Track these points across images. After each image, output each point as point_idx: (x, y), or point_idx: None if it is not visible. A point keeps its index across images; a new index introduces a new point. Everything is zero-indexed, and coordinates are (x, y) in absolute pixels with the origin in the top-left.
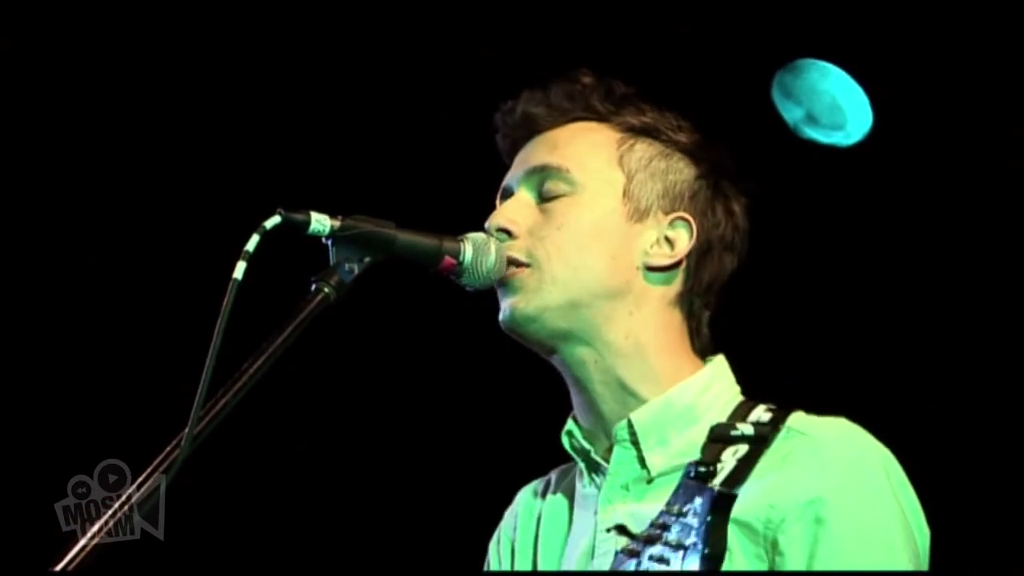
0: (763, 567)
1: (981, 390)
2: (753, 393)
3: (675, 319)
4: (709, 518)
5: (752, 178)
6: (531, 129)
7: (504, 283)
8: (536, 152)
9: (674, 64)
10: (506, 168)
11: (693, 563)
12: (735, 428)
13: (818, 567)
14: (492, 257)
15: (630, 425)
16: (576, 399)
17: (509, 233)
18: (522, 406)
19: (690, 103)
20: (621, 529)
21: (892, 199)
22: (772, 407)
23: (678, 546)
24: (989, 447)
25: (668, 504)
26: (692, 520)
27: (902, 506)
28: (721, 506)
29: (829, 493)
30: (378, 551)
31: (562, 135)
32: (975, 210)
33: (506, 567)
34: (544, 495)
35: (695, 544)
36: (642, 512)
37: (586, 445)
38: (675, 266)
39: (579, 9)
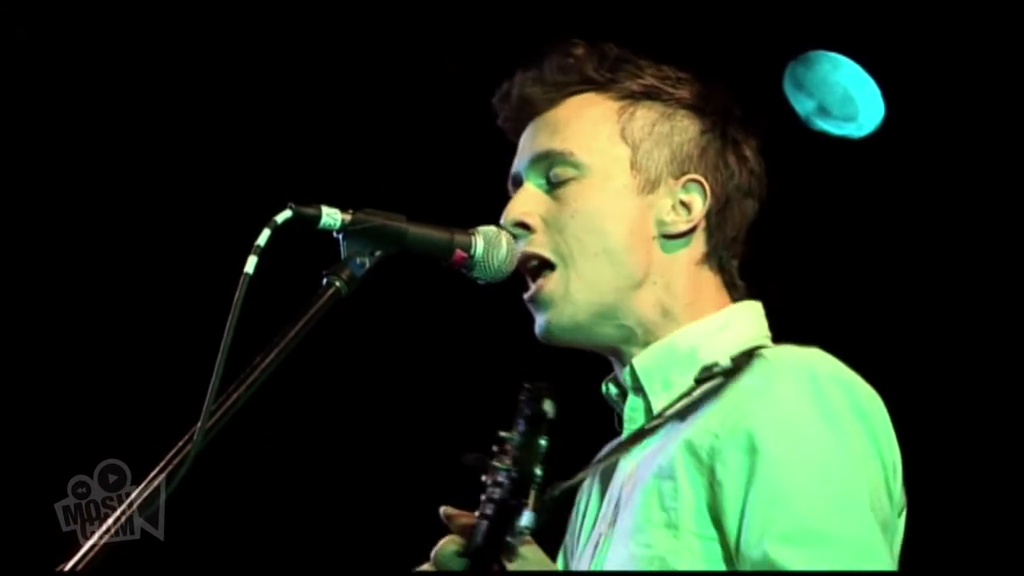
0: (704, 493)
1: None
2: (785, 340)
3: (704, 277)
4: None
5: (757, 116)
6: (529, 111)
7: (533, 299)
8: (538, 137)
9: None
10: (514, 151)
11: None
12: (717, 364)
13: (752, 498)
14: (503, 250)
15: (632, 370)
16: (618, 363)
17: (526, 227)
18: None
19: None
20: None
21: (904, 190)
22: (774, 348)
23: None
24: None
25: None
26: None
27: (850, 432)
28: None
29: (765, 421)
30: (391, 545)
31: (561, 115)
32: (988, 202)
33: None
34: (592, 462)
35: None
36: (648, 454)
37: (615, 395)
38: (694, 229)
39: (589, 5)
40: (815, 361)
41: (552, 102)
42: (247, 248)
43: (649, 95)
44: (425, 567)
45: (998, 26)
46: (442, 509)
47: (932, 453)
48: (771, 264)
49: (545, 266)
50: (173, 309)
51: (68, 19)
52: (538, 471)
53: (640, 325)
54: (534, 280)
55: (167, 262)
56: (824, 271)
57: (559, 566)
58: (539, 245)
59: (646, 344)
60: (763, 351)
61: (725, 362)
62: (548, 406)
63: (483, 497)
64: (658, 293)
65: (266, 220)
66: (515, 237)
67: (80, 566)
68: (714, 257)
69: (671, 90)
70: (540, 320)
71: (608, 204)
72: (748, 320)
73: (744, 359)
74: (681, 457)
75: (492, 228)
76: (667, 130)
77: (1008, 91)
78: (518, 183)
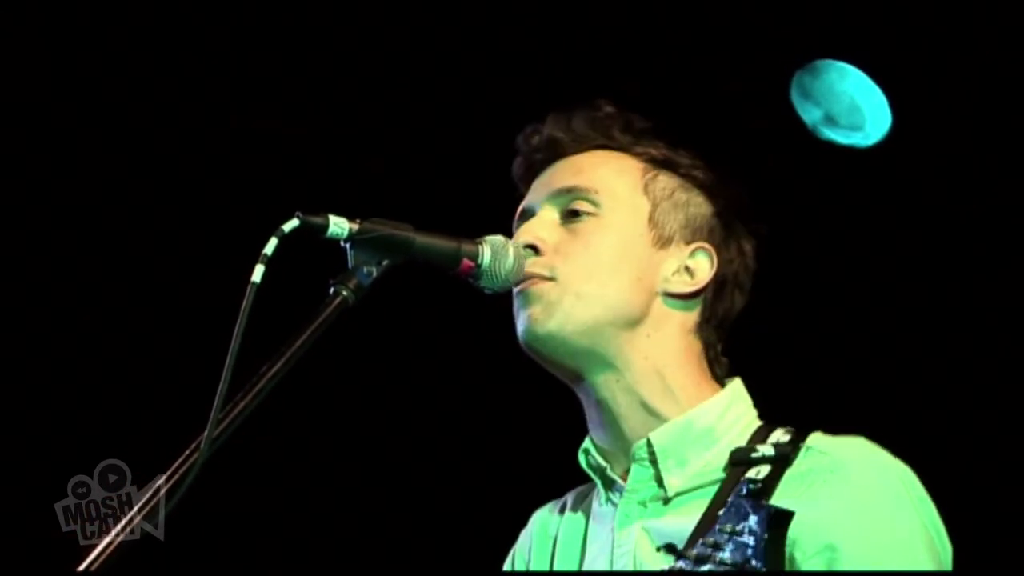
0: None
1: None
2: (770, 418)
3: (694, 346)
4: (767, 535)
5: (762, 220)
6: (553, 153)
7: (523, 292)
8: (561, 175)
9: (693, 65)
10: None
11: None
12: (755, 450)
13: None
14: (510, 260)
15: (649, 444)
16: (595, 419)
17: (536, 250)
18: (538, 416)
19: (704, 118)
20: (670, 548)
21: (912, 201)
22: (791, 429)
23: (734, 565)
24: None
25: (720, 522)
26: (748, 539)
27: (923, 521)
28: (777, 523)
29: (848, 516)
30: (393, 556)
31: (587, 160)
32: (997, 211)
33: None
34: (561, 515)
35: (750, 562)
36: (662, 528)
37: (602, 462)
38: (694, 295)
39: (593, 11)
40: (880, 455)
41: (576, 150)
42: (254, 257)
43: (669, 166)
44: None
45: (1006, 36)
46: None
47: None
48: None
49: (543, 280)
50: (180, 318)
51: (72, 22)
52: None
53: (628, 370)
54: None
55: (174, 270)
56: (826, 276)
57: None
58: (542, 266)
59: (632, 393)
60: (812, 443)
61: (767, 450)
62: None
63: None
64: (650, 347)
65: (273, 229)
66: (524, 258)
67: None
68: (704, 330)
69: (688, 168)
70: (524, 316)
71: (621, 246)
72: (745, 400)
73: (789, 448)
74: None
75: (499, 238)
76: (684, 199)
77: (1017, 101)
78: (528, 215)
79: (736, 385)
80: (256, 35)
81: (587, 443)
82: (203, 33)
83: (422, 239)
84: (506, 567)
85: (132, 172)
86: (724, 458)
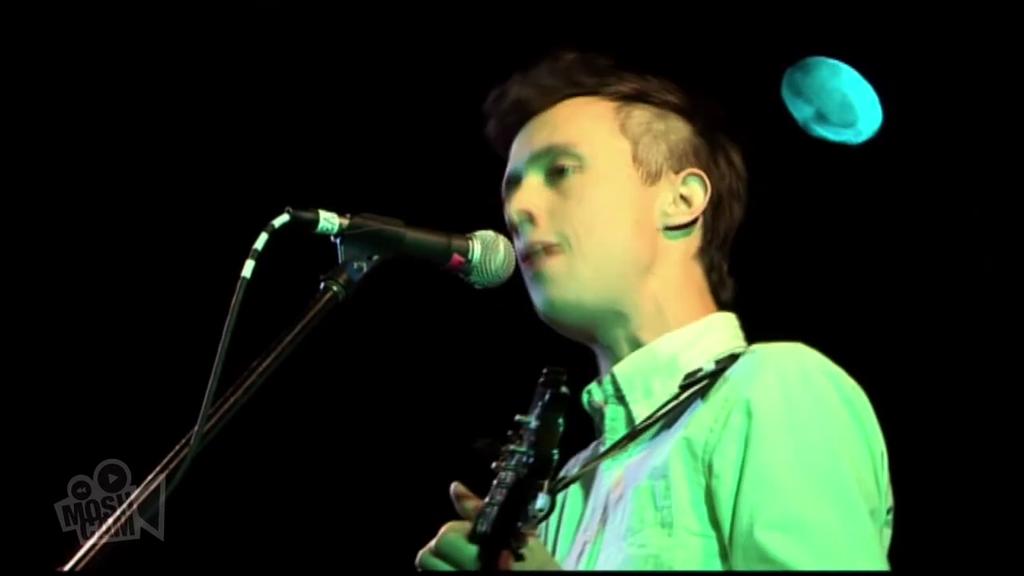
0: (700, 490)
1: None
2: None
3: (695, 275)
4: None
5: (741, 126)
6: (524, 113)
7: (535, 274)
8: (537, 135)
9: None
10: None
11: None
12: (700, 369)
13: (744, 484)
14: (501, 255)
15: (613, 379)
16: (602, 365)
17: (531, 217)
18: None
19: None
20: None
21: (902, 197)
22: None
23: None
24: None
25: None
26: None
27: (839, 420)
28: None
29: (761, 395)
30: (386, 551)
31: (560, 113)
32: (988, 207)
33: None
34: (574, 467)
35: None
36: (634, 463)
37: (602, 402)
38: (693, 222)
39: (586, 8)
40: (802, 352)
41: (546, 105)
42: (245, 252)
43: (641, 98)
44: (425, 552)
45: (998, 32)
46: (454, 486)
47: (920, 453)
48: (769, 268)
49: (550, 251)
50: (171, 313)
51: (67, 21)
52: (555, 454)
53: (636, 315)
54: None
55: (165, 266)
56: (819, 277)
57: None
58: (544, 232)
59: (632, 338)
60: (748, 349)
61: (709, 367)
62: (566, 390)
63: (495, 482)
64: (654, 283)
65: (264, 224)
66: (520, 230)
67: (79, 567)
68: (707, 254)
69: (659, 94)
70: (542, 296)
71: (614, 194)
72: (725, 329)
73: (728, 361)
74: (676, 456)
75: (490, 233)
76: (663, 128)
77: (1008, 97)
78: (514, 183)
79: (716, 317)
80: (247, 31)
81: (592, 384)
82: (193, 30)
83: (412, 234)
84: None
85: (122, 168)
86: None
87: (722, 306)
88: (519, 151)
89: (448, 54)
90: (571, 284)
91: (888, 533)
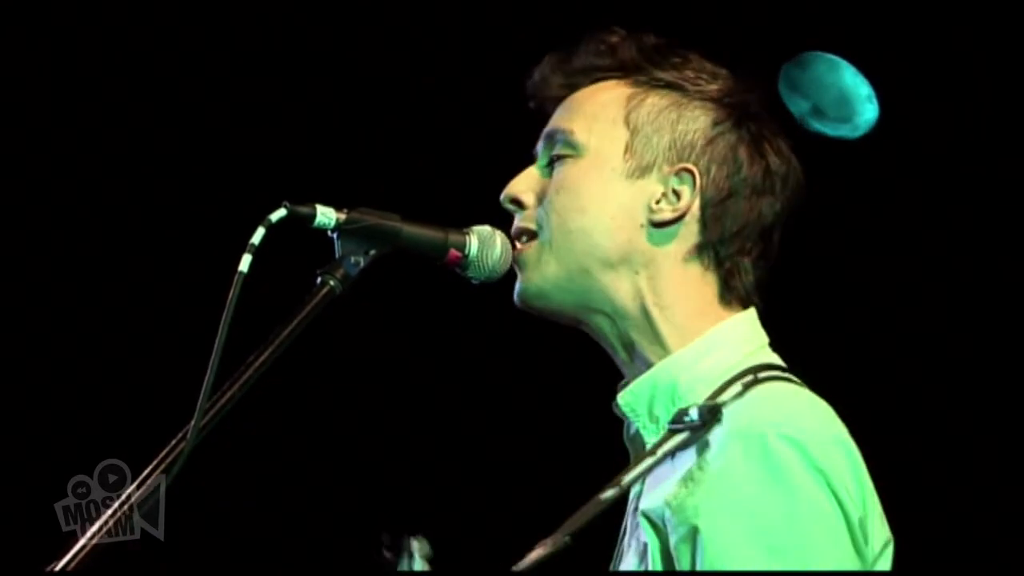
0: (662, 562)
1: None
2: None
3: (691, 274)
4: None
5: (783, 117)
6: (552, 95)
7: (515, 260)
8: (554, 117)
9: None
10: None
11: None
12: (687, 413)
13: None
14: (498, 250)
15: (620, 404)
16: (616, 364)
17: (520, 204)
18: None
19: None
20: None
21: (900, 191)
22: (753, 380)
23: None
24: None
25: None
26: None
27: (802, 492)
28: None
29: (708, 507)
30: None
31: (578, 98)
32: (985, 204)
33: None
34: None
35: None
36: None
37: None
38: (682, 218)
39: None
40: (770, 422)
41: (575, 87)
42: (242, 246)
43: (671, 85)
44: None
45: (994, 29)
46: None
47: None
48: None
49: (530, 235)
50: (168, 308)
51: (63, 19)
52: None
53: (617, 314)
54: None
55: (162, 261)
56: (817, 274)
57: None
58: (527, 219)
59: (624, 337)
60: (728, 408)
61: (693, 415)
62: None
63: None
64: (639, 284)
65: (261, 219)
66: (513, 213)
67: (73, 564)
68: (707, 252)
69: (700, 84)
70: (517, 283)
71: (593, 184)
72: (731, 340)
73: (710, 416)
74: (644, 527)
75: (487, 228)
76: (674, 117)
77: (1004, 93)
78: (534, 161)
79: (726, 326)
80: (244, 25)
81: (620, 387)
82: (191, 24)
83: (409, 229)
84: None
85: (118, 164)
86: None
87: (737, 304)
88: (545, 130)
89: (446, 48)
90: (535, 273)
91: (886, 564)
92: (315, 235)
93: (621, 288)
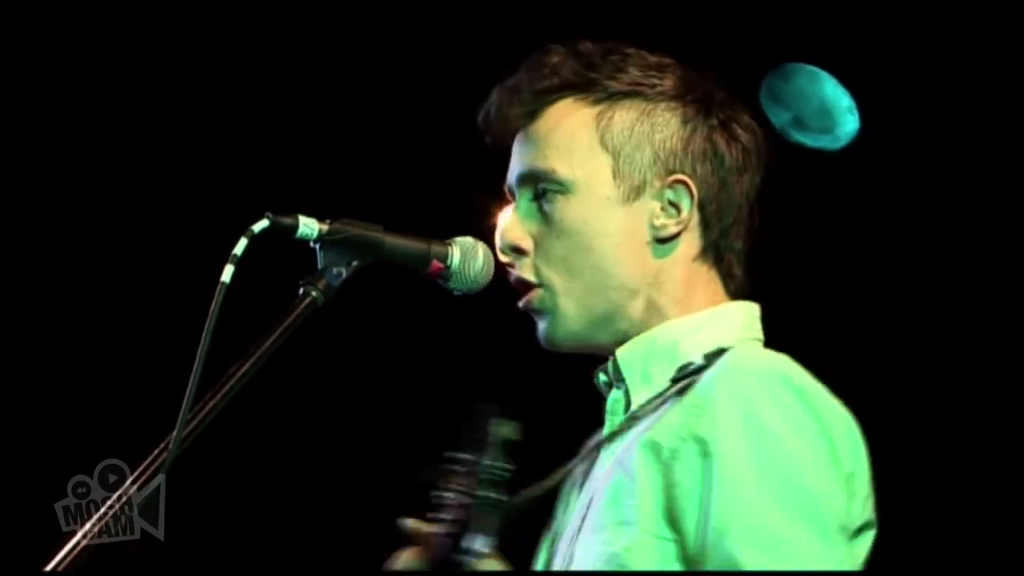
0: (661, 493)
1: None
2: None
3: (699, 272)
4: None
5: (740, 91)
6: (511, 128)
7: (526, 308)
8: (523, 155)
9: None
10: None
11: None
12: (691, 364)
13: (710, 501)
14: (480, 261)
15: (615, 363)
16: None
17: (520, 251)
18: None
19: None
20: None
21: (880, 203)
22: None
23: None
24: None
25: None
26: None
27: (804, 434)
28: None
29: (719, 425)
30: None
31: (541, 129)
32: (964, 214)
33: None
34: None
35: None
36: (621, 449)
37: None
38: (686, 227)
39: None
40: (776, 364)
41: (533, 115)
42: (224, 257)
43: (629, 93)
44: None
45: (974, 40)
46: (402, 522)
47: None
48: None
49: (531, 288)
50: (150, 318)
51: (51, 24)
52: (492, 495)
53: (633, 326)
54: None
55: (144, 270)
56: (800, 283)
57: (542, 556)
58: (527, 269)
59: (630, 333)
60: (732, 350)
61: (699, 360)
62: (508, 431)
63: (440, 515)
64: (652, 295)
65: (243, 229)
66: (513, 261)
67: (60, 569)
68: (711, 250)
69: (654, 82)
70: (539, 331)
71: (593, 219)
72: (734, 318)
73: (715, 357)
74: (642, 455)
75: (469, 239)
76: (647, 129)
77: (984, 104)
78: (511, 195)
79: (728, 305)
80: (229, 36)
81: (601, 366)
82: (177, 34)
83: (392, 240)
84: None
85: (102, 173)
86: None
87: (737, 295)
88: (512, 165)
89: (428, 57)
90: (560, 319)
91: (864, 546)
92: (298, 246)
93: (642, 302)
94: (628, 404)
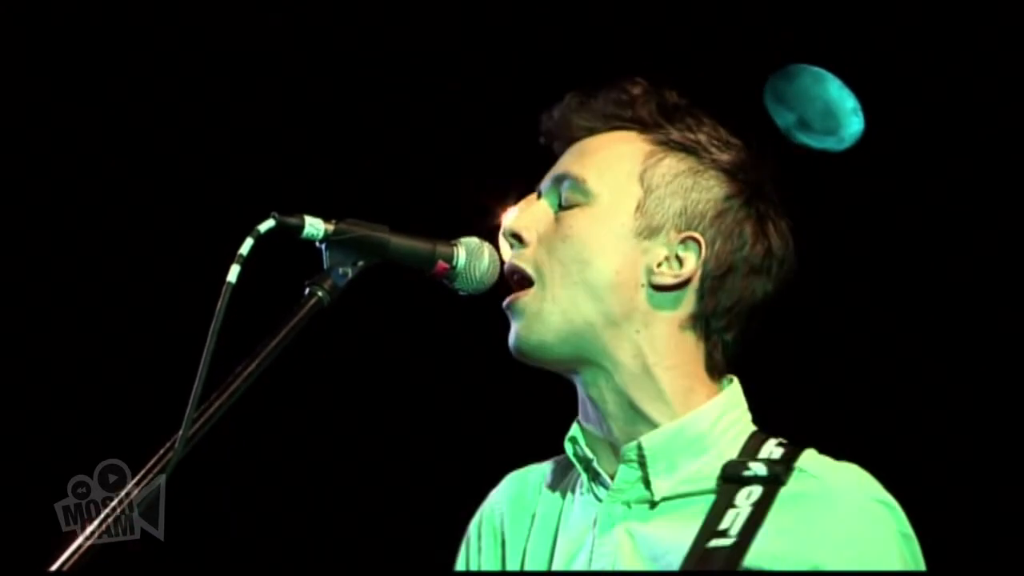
0: None
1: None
2: (764, 423)
3: (687, 341)
4: None
5: (791, 202)
6: (569, 135)
7: (509, 306)
8: (566, 159)
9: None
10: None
11: None
12: (748, 468)
13: None
14: (485, 262)
15: (639, 448)
16: (587, 411)
17: (520, 239)
18: (516, 408)
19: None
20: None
21: (884, 204)
22: (783, 442)
23: None
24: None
25: None
26: None
27: (906, 559)
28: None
29: (834, 546)
30: (365, 553)
31: (594, 144)
32: (968, 215)
33: (491, 555)
34: (540, 489)
35: None
36: (647, 533)
37: (589, 453)
38: (683, 286)
39: (568, 13)
40: (870, 486)
41: (593, 131)
42: (230, 257)
43: (687, 148)
44: None
45: (977, 43)
46: None
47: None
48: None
49: (526, 281)
50: (156, 318)
51: (52, 25)
52: None
53: (617, 371)
54: (515, 291)
55: (150, 270)
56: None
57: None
58: (525, 260)
59: (618, 392)
60: (804, 464)
61: (759, 469)
62: None
63: None
64: (639, 343)
65: (249, 229)
66: (510, 246)
67: (65, 569)
68: (700, 323)
69: (715, 150)
70: (512, 332)
71: (602, 238)
72: (741, 404)
73: (781, 468)
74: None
75: (475, 240)
76: (689, 184)
77: (988, 106)
78: (539, 194)
79: (732, 390)
80: (235, 36)
81: (575, 430)
82: (183, 32)
83: (397, 240)
84: (472, 526)
85: (108, 174)
86: (714, 467)
87: (716, 375)
88: (554, 168)
89: (439, 61)
90: (537, 325)
91: None
92: (304, 246)
93: (622, 345)
94: (647, 486)
